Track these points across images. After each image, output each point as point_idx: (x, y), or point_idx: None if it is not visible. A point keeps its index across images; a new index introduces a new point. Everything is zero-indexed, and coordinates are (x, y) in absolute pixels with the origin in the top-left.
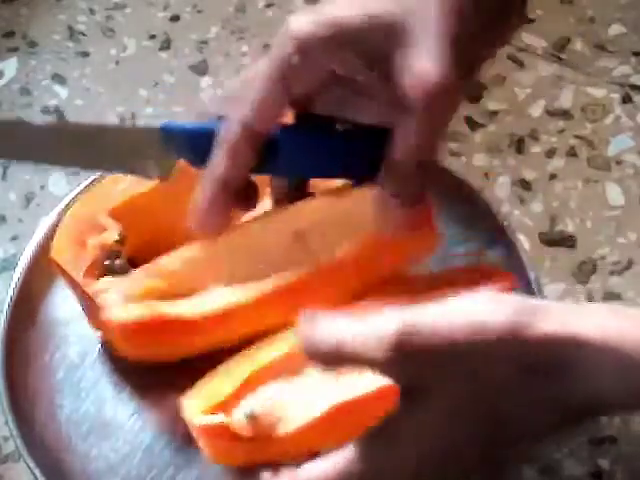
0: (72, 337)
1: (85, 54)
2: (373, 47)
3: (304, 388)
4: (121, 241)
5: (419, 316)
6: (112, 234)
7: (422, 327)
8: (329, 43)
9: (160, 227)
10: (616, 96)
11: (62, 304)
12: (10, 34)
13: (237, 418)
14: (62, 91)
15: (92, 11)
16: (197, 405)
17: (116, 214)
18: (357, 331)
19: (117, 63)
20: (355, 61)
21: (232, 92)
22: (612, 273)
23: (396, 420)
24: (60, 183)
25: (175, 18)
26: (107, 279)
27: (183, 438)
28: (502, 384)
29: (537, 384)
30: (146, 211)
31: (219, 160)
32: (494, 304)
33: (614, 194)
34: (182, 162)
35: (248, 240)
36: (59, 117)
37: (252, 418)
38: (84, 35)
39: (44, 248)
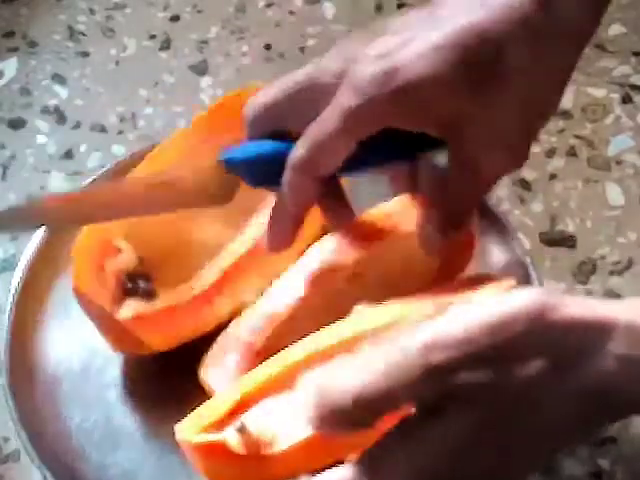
0: (75, 346)
1: (85, 54)
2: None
3: (298, 405)
4: (139, 261)
5: (439, 328)
6: (129, 256)
7: (447, 339)
8: (396, 103)
9: (175, 241)
10: (616, 96)
11: (62, 306)
12: (10, 34)
13: (230, 434)
14: (62, 91)
15: (92, 11)
16: (191, 426)
17: (128, 234)
18: (377, 369)
19: (117, 63)
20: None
21: (274, 102)
22: (612, 273)
23: (410, 435)
24: (60, 183)
25: (175, 18)
26: (133, 303)
27: None
28: (534, 381)
29: (569, 376)
30: (156, 227)
31: (288, 200)
32: (513, 294)
33: (614, 194)
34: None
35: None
36: (59, 117)
37: (244, 432)
38: (84, 35)
39: (44, 249)
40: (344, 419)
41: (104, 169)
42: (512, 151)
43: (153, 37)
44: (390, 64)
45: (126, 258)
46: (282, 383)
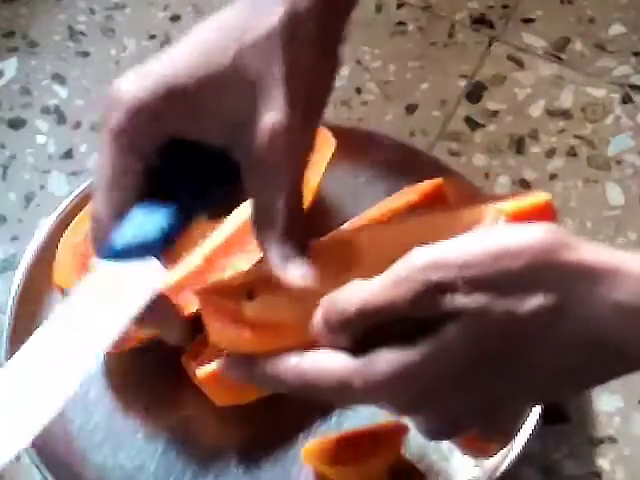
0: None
1: (85, 54)
2: (209, 110)
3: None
4: None
5: (445, 250)
6: None
7: (450, 259)
8: (162, 110)
9: None
10: (616, 96)
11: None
12: (10, 34)
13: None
14: (62, 91)
15: (92, 11)
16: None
17: None
18: (380, 283)
19: (117, 63)
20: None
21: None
22: None
23: (405, 346)
24: (60, 183)
25: (175, 18)
26: None
27: (198, 443)
28: (532, 315)
29: (571, 319)
30: None
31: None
32: (524, 227)
33: (614, 194)
34: None
35: None
36: (59, 117)
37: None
38: (84, 35)
39: (44, 249)
40: (346, 324)
41: None
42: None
43: (153, 37)
44: (152, 72)
45: None
46: None
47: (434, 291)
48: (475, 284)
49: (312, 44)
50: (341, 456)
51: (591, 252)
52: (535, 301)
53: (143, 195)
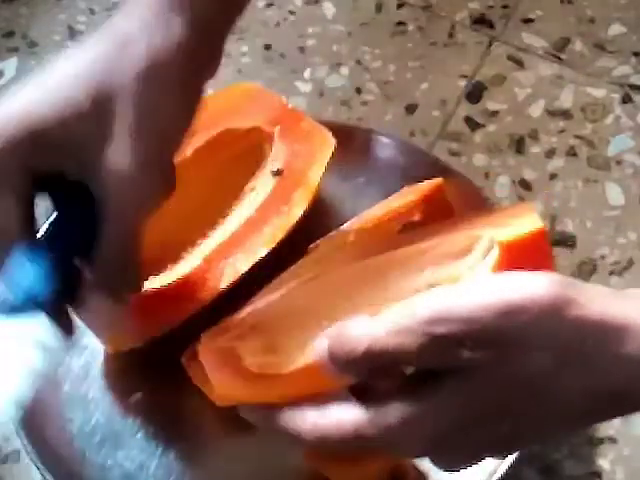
0: (74, 349)
1: None
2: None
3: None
4: None
5: (449, 303)
6: None
7: (454, 313)
8: (25, 152)
9: (157, 235)
10: (616, 96)
11: None
12: (10, 34)
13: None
14: None
15: (92, 11)
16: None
17: None
18: (387, 327)
19: None
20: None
21: None
22: (612, 273)
23: (411, 394)
24: None
25: None
26: None
27: (198, 443)
28: (536, 372)
29: (574, 375)
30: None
31: None
32: (529, 279)
33: (614, 194)
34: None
35: None
36: None
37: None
38: (84, 35)
39: None
40: (352, 363)
41: None
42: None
43: None
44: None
45: None
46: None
47: (438, 344)
48: (478, 340)
49: (170, 91)
50: (341, 456)
51: (597, 307)
52: (539, 359)
53: (27, 238)
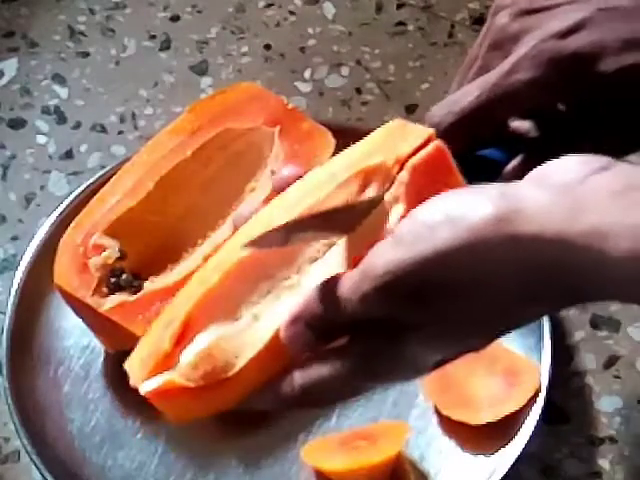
0: (74, 350)
1: (85, 54)
2: None
3: (244, 325)
4: (122, 257)
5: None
6: (112, 252)
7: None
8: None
9: (157, 236)
10: None
11: (63, 307)
12: (10, 34)
13: (179, 370)
14: (62, 91)
15: (92, 11)
16: (140, 370)
17: (111, 232)
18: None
19: (117, 63)
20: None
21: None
22: None
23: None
24: (60, 183)
25: (175, 18)
26: (117, 297)
27: (198, 442)
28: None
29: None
30: (140, 223)
31: None
32: (472, 195)
33: None
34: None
35: None
36: (59, 117)
37: (193, 365)
38: (84, 35)
39: (44, 249)
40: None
41: (104, 169)
42: None
43: (153, 37)
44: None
45: (109, 254)
46: (222, 300)
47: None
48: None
49: None
50: (341, 456)
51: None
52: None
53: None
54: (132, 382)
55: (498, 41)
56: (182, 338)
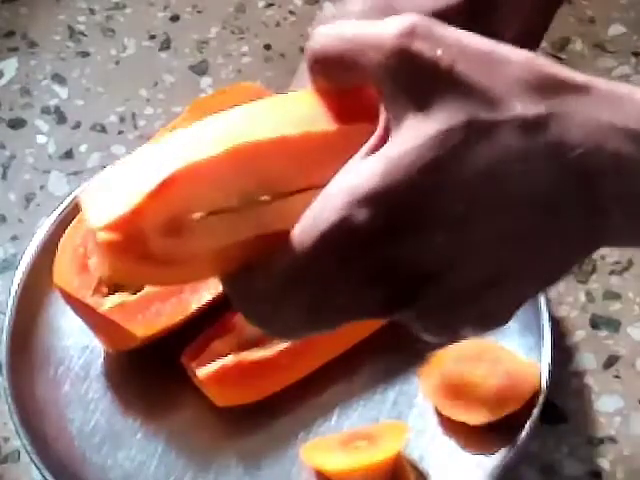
0: (74, 349)
1: (85, 54)
2: None
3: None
4: None
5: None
6: None
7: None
8: None
9: None
10: None
11: (63, 307)
12: (10, 34)
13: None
14: (62, 91)
15: (92, 11)
16: (103, 212)
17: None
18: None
19: (117, 63)
20: None
21: None
22: (612, 273)
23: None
24: (60, 183)
25: (175, 18)
26: (117, 297)
27: (198, 442)
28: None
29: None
30: None
31: None
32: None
33: None
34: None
35: None
36: (59, 117)
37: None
38: (84, 35)
39: (44, 249)
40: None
41: (104, 169)
42: None
43: (153, 37)
44: None
45: None
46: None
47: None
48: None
49: None
50: (341, 456)
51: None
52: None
53: None
54: (91, 222)
55: None
56: (158, 194)
